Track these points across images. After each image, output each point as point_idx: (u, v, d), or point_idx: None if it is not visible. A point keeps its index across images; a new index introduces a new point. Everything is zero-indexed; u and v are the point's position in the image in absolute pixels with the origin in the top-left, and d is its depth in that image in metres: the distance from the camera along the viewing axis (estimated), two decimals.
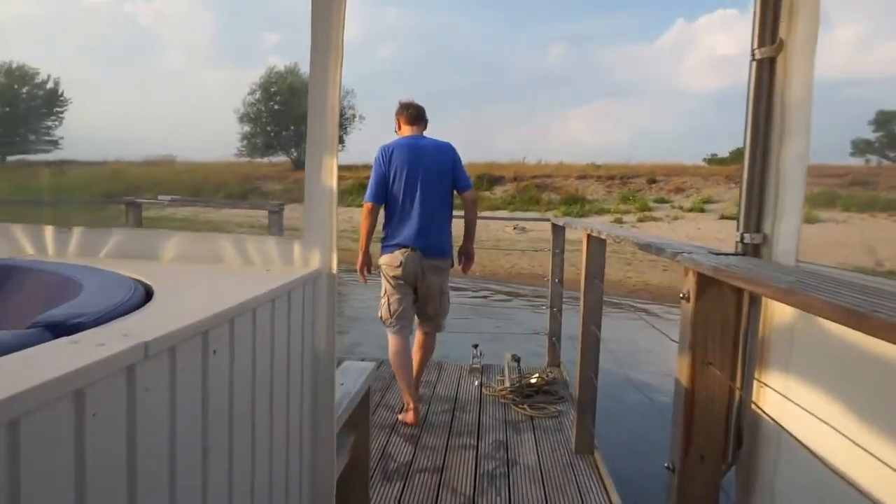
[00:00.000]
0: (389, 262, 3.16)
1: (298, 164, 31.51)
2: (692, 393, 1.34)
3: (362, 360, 3.52)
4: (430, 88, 75.03)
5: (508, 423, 3.17)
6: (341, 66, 1.36)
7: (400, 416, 3.32)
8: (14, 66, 41.74)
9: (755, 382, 1.35)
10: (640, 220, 18.56)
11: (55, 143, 44.23)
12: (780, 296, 1.04)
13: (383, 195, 3.17)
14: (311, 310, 1.43)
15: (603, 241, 2.61)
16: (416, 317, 3.34)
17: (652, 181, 22.22)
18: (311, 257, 1.48)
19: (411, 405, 3.26)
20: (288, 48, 75.06)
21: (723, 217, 18.17)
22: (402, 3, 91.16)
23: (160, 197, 3.76)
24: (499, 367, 3.95)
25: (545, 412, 3.31)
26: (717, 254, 1.39)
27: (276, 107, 32.04)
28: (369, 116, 33.83)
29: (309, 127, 1.40)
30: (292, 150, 32.48)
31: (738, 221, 1.46)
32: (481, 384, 3.67)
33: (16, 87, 41.67)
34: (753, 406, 1.36)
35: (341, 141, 22.68)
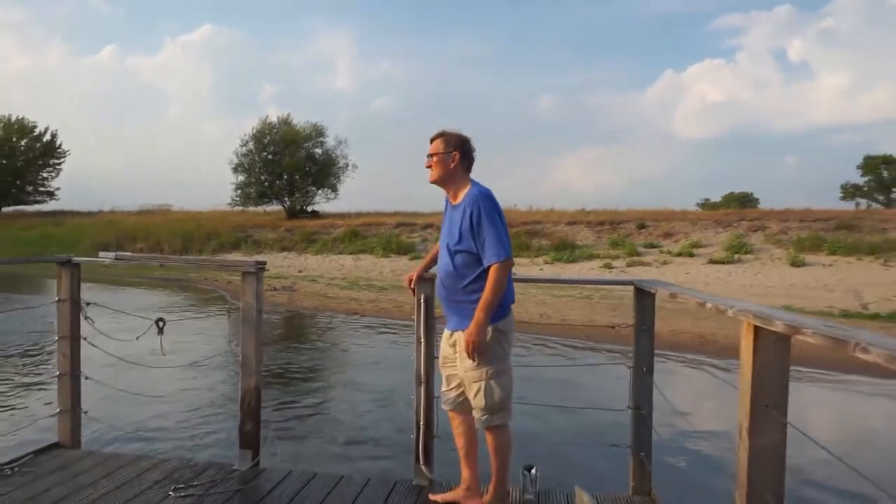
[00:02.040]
0: (510, 326, 2.61)
1: (292, 213, 31.73)
2: None
3: None
4: (425, 138, 75.99)
5: None
6: None
7: None
8: (13, 119, 42.38)
9: None
10: (629, 265, 18.62)
11: (51, 194, 44.65)
12: None
13: None
14: None
15: (786, 342, 1.57)
16: None
17: (641, 226, 22.39)
18: None
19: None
20: (286, 98, 76.60)
21: (711, 262, 18.27)
22: (394, 56, 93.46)
23: (102, 254, 3.30)
24: (560, 495, 2.91)
25: None
26: None
27: (269, 157, 32.42)
28: (362, 165, 34.19)
29: None
30: (285, 198, 32.74)
31: None
32: None
33: (14, 139, 42.16)
34: None
35: (335, 189, 22.72)
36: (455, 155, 2.60)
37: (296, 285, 17.26)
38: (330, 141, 33.78)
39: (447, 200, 2.70)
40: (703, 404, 6.93)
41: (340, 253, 23.81)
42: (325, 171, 32.91)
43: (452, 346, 2.64)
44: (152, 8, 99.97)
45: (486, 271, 2.47)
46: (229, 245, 26.54)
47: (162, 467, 3.10)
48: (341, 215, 30.51)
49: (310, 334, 11.37)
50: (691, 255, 19.26)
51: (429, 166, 2.64)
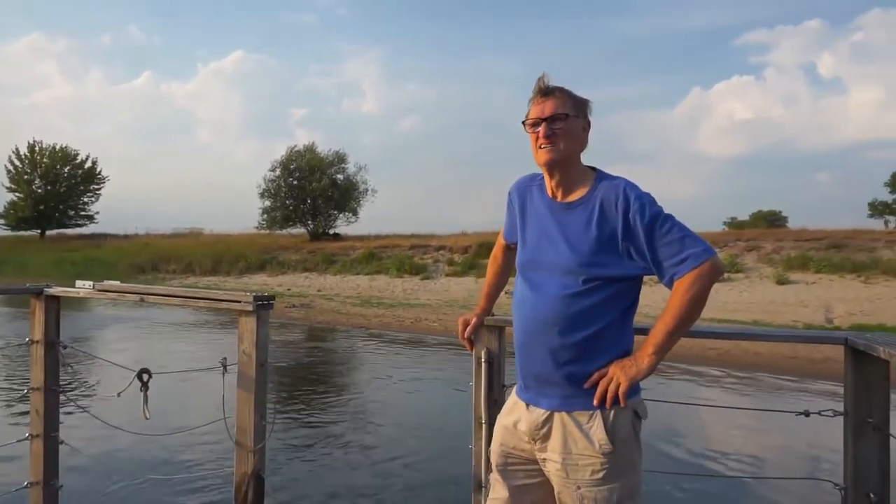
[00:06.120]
0: (644, 413, 1.71)
1: (315, 236, 33.48)
2: None
3: None
4: (452, 155, 77.66)
5: None
6: None
7: None
8: (57, 147, 45.36)
9: None
10: None
11: (90, 218, 47.39)
12: None
13: None
14: None
15: None
16: None
17: None
18: None
19: None
20: (314, 122, 79.32)
21: None
22: (420, 79, 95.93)
23: (78, 283, 2.84)
24: None
25: None
26: None
27: (294, 182, 34.31)
28: (387, 187, 35.87)
29: None
30: (309, 221, 34.54)
31: None
32: None
33: (58, 167, 45.07)
34: None
35: (355, 213, 24.66)
36: (587, 123, 1.72)
37: (312, 303, 18.78)
38: (351, 167, 35.67)
39: (539, 195, 1.75)
40: None
41: (358, 273, 25.32)
42: (346, 196, 34.67)
43: (542, 438, 1.67)
44: (186, 35, 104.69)
45: (622, 317, 1.64)
46: (256, 266, 28.26)
47: None
48: (361, 238, 32.12)
49: (321, 341, 12.83)
50: None
51: (547, 137, 1.64)
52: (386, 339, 12.74)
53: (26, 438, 2.77)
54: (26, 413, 2.86)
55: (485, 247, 25.43)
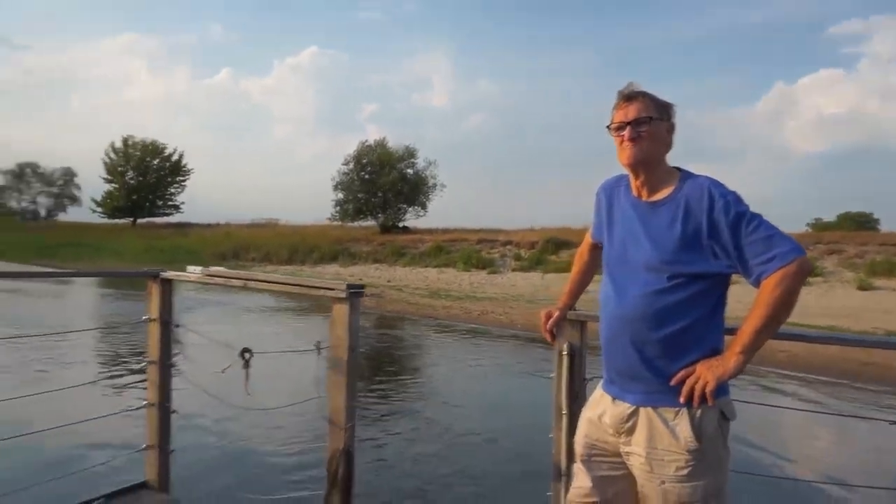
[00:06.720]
0: (733, 414, 1.71)
1: (385, 228, 34.43)
2: None
3: None
4: (521, 151, 77.31)
5: None
6: None
7: None
8: (148, 141, 48.49)
9: None
10: None
11: (177, 208, 50.37)
12: None
13: None
14: None
15: None
16: None
17: None
18: None
19: None
20: (384, 117, 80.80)
21: None
22: (489, 74, 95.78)
23: (189, 268, 3.05)
24: None
25: None
26: None
27: (366, 176, 35.36)
28: (454, 182, 36.34)
29: None
30: (379, 214, 35.52)
31: None
32: None
33: (148, 159, 48.16)
34: None
35: (424, 207, 25.50)
36: (672, 125, 1.76)
37: (383, 293, 19.51)
38: (420, 162, 36.42)
39: (625, 195, 1.81)
40: None
41: (426, 266, 25.96)
42: (415, 190, 35.44)
43: (626, 432, 1.71)
44: (264, 32, 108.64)
45: (709, 315, 1.65)
46: (328, 257, 29.42)
47: None
48: (429, 231, 32.79)
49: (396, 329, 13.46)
50: None
51: (631, 139, 1.69)
52: (455, 330, 13.22)
53: (143, 406, 3.03)
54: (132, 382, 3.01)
55: (552, 242, 25.52)
